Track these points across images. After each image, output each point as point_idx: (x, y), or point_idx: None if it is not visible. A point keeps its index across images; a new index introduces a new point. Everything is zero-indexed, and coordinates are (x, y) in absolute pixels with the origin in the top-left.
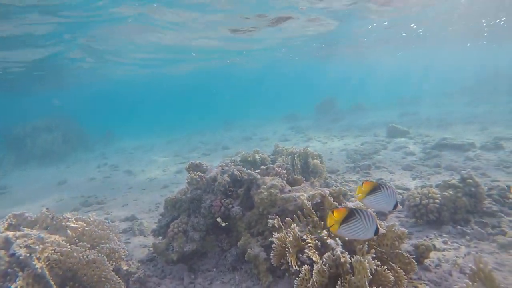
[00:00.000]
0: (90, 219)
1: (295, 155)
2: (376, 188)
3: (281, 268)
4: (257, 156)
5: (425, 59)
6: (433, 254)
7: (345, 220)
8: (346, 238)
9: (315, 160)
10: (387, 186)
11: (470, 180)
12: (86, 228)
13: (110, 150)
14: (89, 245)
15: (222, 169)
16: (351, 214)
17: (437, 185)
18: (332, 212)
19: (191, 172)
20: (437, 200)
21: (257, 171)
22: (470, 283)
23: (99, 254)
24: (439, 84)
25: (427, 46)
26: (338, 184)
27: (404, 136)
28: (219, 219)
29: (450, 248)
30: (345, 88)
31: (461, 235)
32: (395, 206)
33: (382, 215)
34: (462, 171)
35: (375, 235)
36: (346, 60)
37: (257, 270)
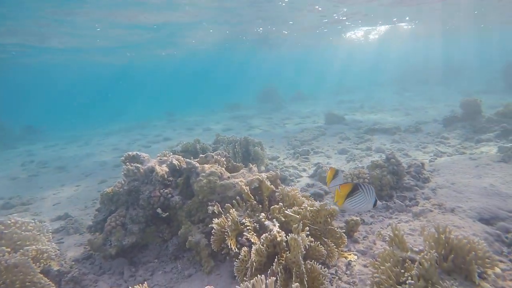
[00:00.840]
0: (10, 221)
1: (236, 143)
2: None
3: (222, 253)
4: (198, 146)
5: (359, 52)
6: (361, 228)
7: (350, 194)
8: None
9: (256, 148)
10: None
11: (393, 160)
12: (5, 231)
13: (38, 146)
14: (9, 249)
15: (160, 159)
16: (355, 189)
17: (367, 166)
18: (339, 188)
19: (127, 163)
20: (366, 180)
21: (196, 160)
22: (387, 247)
23: (23, 257)
24: (374, 74)
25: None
26: (278, 170)
27: (340, 122)
28: (159, 210)
29: (376, 221)
30: (287, 77)
31: (386, 209)
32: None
33: (318, 196)
34: (387, 152)
35: (374, 206)
36: (287, 49)
37: (199, 257)
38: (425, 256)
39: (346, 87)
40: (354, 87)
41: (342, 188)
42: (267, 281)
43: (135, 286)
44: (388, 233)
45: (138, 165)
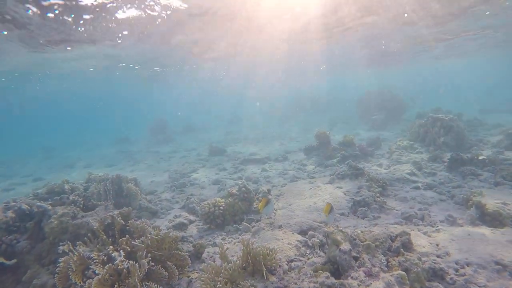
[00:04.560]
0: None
1: (107, 182)
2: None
3: None
4: (66, 186)
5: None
6: (211, 249)
7: (329, 211)
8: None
9: (129, 184)
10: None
11: (244, 188)
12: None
13: None
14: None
15: (6, 205)
16: (331, 209)
17: (223, 195)
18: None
19: None
20: (221, 207)
21: (50, 202)
22: (212, 263)
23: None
24: (261, 104)
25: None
26: (151, 205)
27: (222, 154)
28: (0, 259)
29: (226, 243)
30: (182, 108)
31: (236, 231)
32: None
33: (182, 225)
34: (239, 182)
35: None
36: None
37: None
38: (230, 265)
39: (237, 118)
40: (246, 116)
41: (326, 208)
42: None
43: None
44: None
45: None
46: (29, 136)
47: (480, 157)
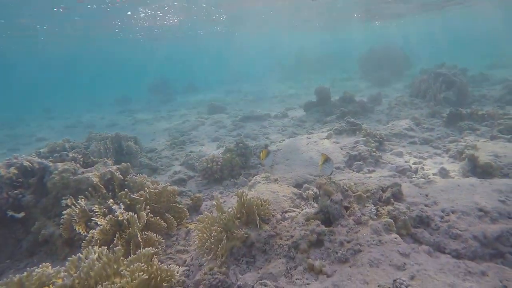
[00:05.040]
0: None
1: (107, 140)
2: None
3: (75, 239)
4: (67, 145)
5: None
6: (209, 203)
7: (324, 162)
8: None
9: (129, 142)
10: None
11: (241, 144)
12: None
13: None
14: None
15: (8, 162)
16: (326, 159)
17: (222, 151)
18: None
19: None
20: (219, 163)
21: (50, 159)
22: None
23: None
24: (268, 61)
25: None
26: (151, 162)
27: (222, 112)
28: (10, 212)
29: (224, 196)
30: (181, 67)
31: (233, 185)
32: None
33: (182, 181)
34: (237, 138)
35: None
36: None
37: (55, 247)
38: (224, 215)
39: (240, 74)
40: (248, 74)
41: (321, 159)
42: (104, 251)
43: None
44: (214, 202)
45: None
46: (29, 97)
47: (480, 112)
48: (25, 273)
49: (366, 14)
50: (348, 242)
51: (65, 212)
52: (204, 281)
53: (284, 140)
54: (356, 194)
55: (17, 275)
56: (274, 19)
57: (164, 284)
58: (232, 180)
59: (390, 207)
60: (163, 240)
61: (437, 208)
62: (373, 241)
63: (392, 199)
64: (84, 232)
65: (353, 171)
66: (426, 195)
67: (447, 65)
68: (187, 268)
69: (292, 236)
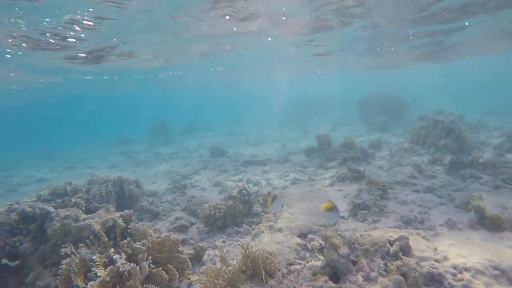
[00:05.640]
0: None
1: (109, 183)
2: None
3: None
4: (68, 188)
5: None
6: (212, 252)
7: (329, 209)
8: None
9: (131, 186)
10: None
11: (244, 191)
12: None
13: None
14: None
15: (10, 207)
16: (332, 207)
17: (223, 198)
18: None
19: None
20: (222, 210)
21: (52, 205)
22: (212, 265)
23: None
24: (264, 107)
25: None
26: (152, 206)
27: (223, 155)
28: (4, 260)
29: (227, 245)
30: (180, 110)
31: (236, 234)
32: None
33: (183, 227)
34: (239, 184)
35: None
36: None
37: None
38: (229, 268)
39: (239, 119)
40: (247, 118)
41: (326, 206)
42: None
43: None
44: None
45: None
46: (28, 137)
47: (481, 160)
48: None
49: (374, 65)
50: None
51: (63, 262)
52: None
53: (286, 186)
54: (363, 247)
55: None
56: (277, 67)
57: None
58: (235, 228)
59: (399, 262)
60: None
61: (448, 264)
62: None
63: (400, 253)
64: (82, 285)
65: (358, 220)
66: (435, 249)
67: (444, 112)
68: None
69: None
